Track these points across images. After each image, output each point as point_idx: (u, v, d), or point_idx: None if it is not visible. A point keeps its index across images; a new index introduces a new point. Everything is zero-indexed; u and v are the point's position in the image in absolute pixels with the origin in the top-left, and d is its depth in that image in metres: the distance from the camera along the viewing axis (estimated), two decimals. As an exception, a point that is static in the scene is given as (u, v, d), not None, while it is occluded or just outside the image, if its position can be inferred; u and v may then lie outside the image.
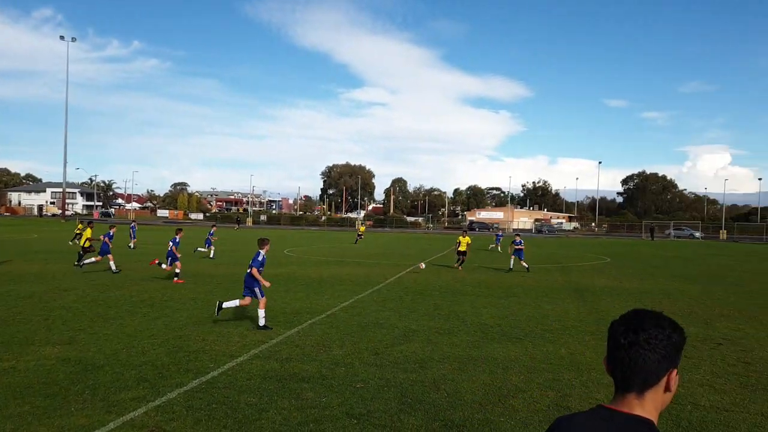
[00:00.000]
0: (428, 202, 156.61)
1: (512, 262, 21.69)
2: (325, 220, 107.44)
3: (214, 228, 27.71)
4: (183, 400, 6.11)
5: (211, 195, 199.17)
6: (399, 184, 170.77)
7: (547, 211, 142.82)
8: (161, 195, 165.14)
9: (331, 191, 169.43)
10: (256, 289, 10.01)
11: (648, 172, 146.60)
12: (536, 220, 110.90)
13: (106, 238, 18.37)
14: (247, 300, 10.24)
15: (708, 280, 20.01)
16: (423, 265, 21.34)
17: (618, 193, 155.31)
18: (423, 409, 6.01)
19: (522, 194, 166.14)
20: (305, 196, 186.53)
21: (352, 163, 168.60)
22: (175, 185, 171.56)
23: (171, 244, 16.69)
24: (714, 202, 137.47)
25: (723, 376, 7.52)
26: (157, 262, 17.14)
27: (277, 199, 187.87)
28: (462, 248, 22.33)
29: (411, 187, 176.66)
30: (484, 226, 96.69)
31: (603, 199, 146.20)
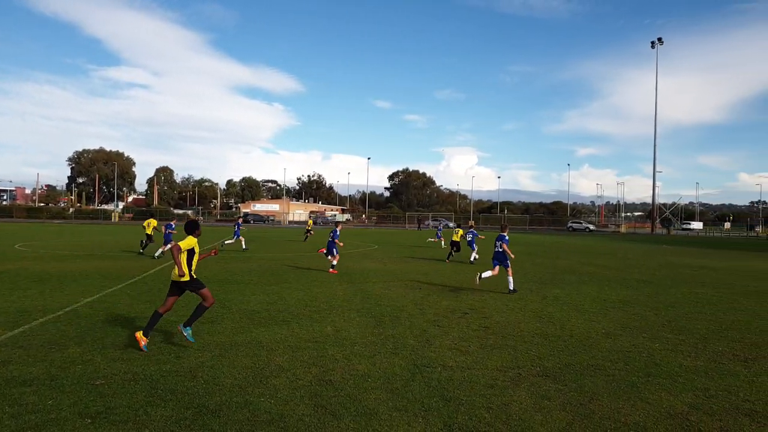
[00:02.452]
0: (198, 194, 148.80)
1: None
2: (73, 212, 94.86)
3: (241, 219, 29.50)
4: None
5: None
6: (164, 173, 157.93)
7: (322, 203, 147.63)
8: None
9: (81, 180, 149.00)
10: (507, 261, 13.62)
11: (411, 169, 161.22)
12: (311, 212, 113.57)
13: (168, 230, 20.81)
14: (496, 270, 13.69)
15: (458, 261, 22.47)
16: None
17: (385, 188, 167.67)
18: (175, 399, 5.40)
19: (297, 187, 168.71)
20: (47, 185, 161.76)
21: (108, 149, 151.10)
22: None
23: (332, 235, 17.86)
24: (465, 197, 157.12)
25: (468, 339, 8.32)
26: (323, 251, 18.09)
27: (9, 188, 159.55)
28: (456, 238, 23.27)
29: (179, 177, 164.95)
30: (259, 218, 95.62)
31: (372, 193, 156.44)
